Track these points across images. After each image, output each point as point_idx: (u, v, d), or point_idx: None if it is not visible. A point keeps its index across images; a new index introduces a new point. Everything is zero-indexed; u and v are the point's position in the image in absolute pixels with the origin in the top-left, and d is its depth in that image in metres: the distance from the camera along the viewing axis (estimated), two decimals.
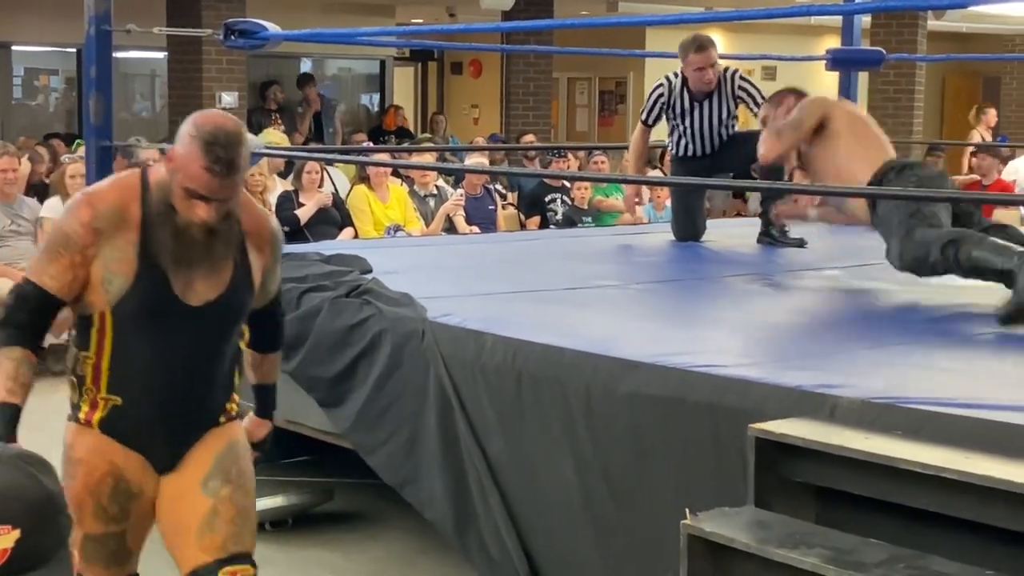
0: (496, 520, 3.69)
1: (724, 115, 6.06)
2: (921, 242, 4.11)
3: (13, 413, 2.67)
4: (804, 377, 3.17)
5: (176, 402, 2.79)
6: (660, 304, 4.61)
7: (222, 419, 2.89)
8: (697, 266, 5.42)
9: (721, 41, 17.81)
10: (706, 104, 6.04)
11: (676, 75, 6.08)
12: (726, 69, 6.09)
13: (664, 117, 6.15)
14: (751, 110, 5.96)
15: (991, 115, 14.63)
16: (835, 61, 7.25)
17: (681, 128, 6.11)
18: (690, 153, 6.15)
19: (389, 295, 4.31)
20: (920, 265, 4.12)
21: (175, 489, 2.83)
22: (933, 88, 19.45)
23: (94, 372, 2.78)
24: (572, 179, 9.86)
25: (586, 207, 9.79)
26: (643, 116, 6.24)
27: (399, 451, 4.06)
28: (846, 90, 7.57)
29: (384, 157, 10.06)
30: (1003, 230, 4.33)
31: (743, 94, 6.02)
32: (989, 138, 13.99)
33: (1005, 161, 12.56)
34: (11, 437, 2.64)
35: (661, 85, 6.12)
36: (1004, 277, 3.93)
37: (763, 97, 5.92)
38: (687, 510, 2.86)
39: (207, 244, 2.73)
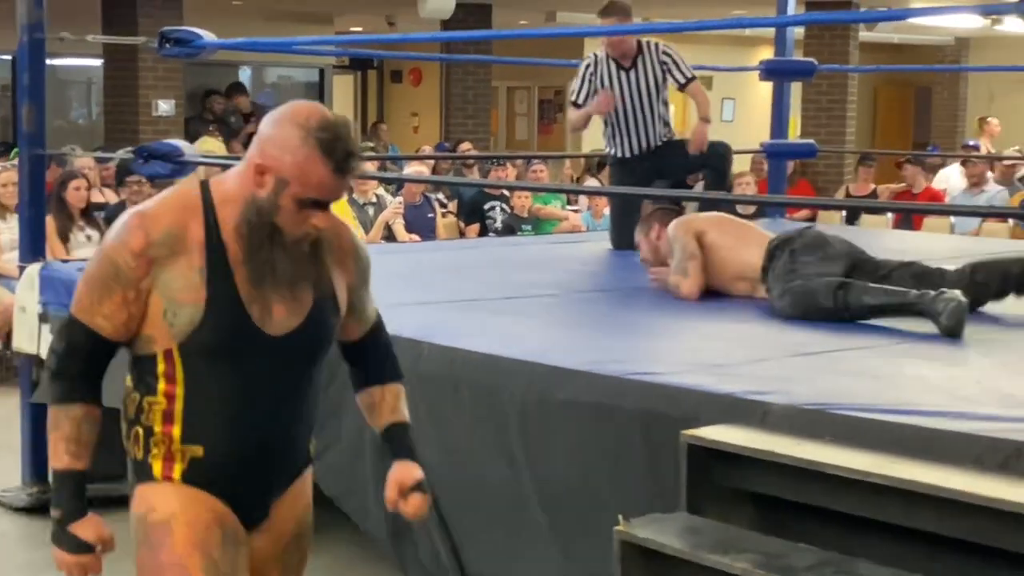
0: (430, 529, 3.70)
1: (652, 84, 6.16)
2: (806, 291, 4.27)
3: (79, 480, 2.40)
4: (736, 384, 3.22)
5: (263, 446, 2.47)
6: (597, 313, 4.65)
7: (304, 467, 2.62)
8: (634, 275, 5.46)
9: None
10: (632, 73, 6.15)
11: (594, 55, 6.23)
12: (648, 41, 6.20)
13: (593, 93, 6.16)
14: (674, 78, 6.16)
15: (994, 125, 14.79)
16: (768, 71, 7.36)
17: (615, 119, 6.16)
18: (628, 153, 6.20)
19: None
20: (808, 310, 4.24)
21: (259, 556, 2.54)
22: (865, 99, 19.71)
23: (165, 419, 2.42)
24: (524, 189, 9.90)
25: (526, 215, 9.86)
26: (573, 98, 6.25)
27: (340, 462, 4.06)
28: (779, 100, 7.68)
29: None
30: (908, 267, 4.49)
31: (667, 60, 6.17)
32: (993, 149, 14.08)
33: (934, 171, 12.77)
34: (81, 509, 2.41)
35: (588, 61, 6.23)
36: (906, 310, 4.08)
37: (686, 66, 6.18)
38: (620, 516, 2.89)
39: (288, 264, 2.40)
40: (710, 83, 18.35)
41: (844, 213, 11.72)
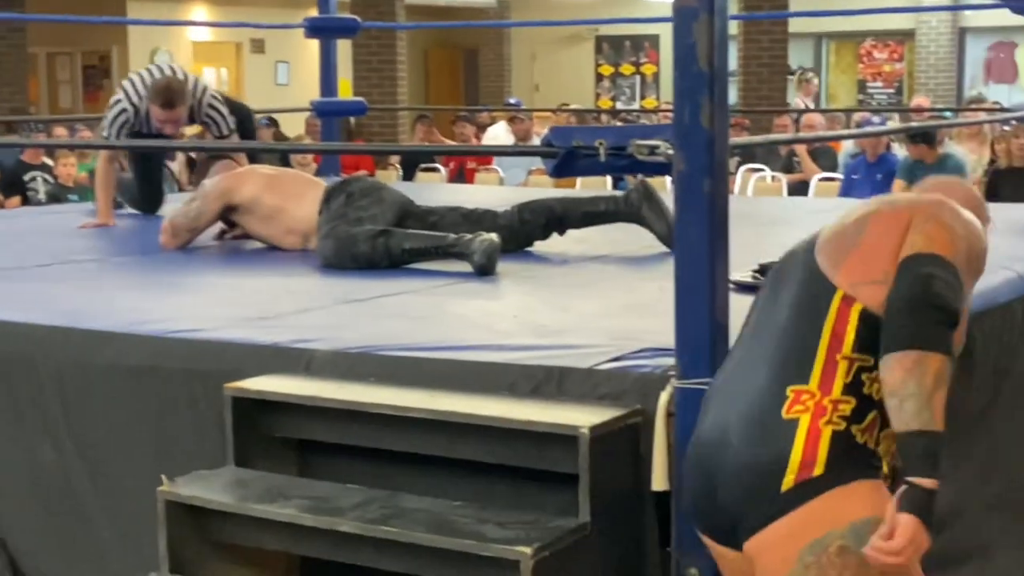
0: None
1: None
2: (347, 236, 4.30)
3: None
4: (280, 334, 3.18)
5: None
6: (139, 276, 4.48)
7: None
8: None
9: (207, 13, 17.65)
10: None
11: (140, 97, 5.66)
12: (195, 86, 5.76)
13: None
14: (216, 133, 5.85)
15: (814, 83, 15.22)
16: (312, 29, 7.33)
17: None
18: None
19: None
20: (344, 257, 4.28)
21: None
22: (417, 61, 20.15)
23: None
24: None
25: (71, 184, 9.46)
26: (107, 136, 5.79)
27: None
28: (326, 59, 7.66)
29: None
30: (457, 211, 4.62)
31: (208, 120, 5.83)
32: (812, 105, 14.40)
33: (483, 128, 13.23)
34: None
35: (124, 110, 5.67)
36: (444, 252, 4.19)
37: (227, 124, 5.83)
38: (163, 477, 2.80)
39: None
40: (263, 45, 18.22)
41: (400, 170, 11.93)
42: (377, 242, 4.25)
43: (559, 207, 4.66)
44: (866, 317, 2.21)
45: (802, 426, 2.17)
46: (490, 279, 4.05)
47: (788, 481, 2.15)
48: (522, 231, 4.55)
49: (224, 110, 5.89)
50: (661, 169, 2.73)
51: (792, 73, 17.64)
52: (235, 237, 5.04)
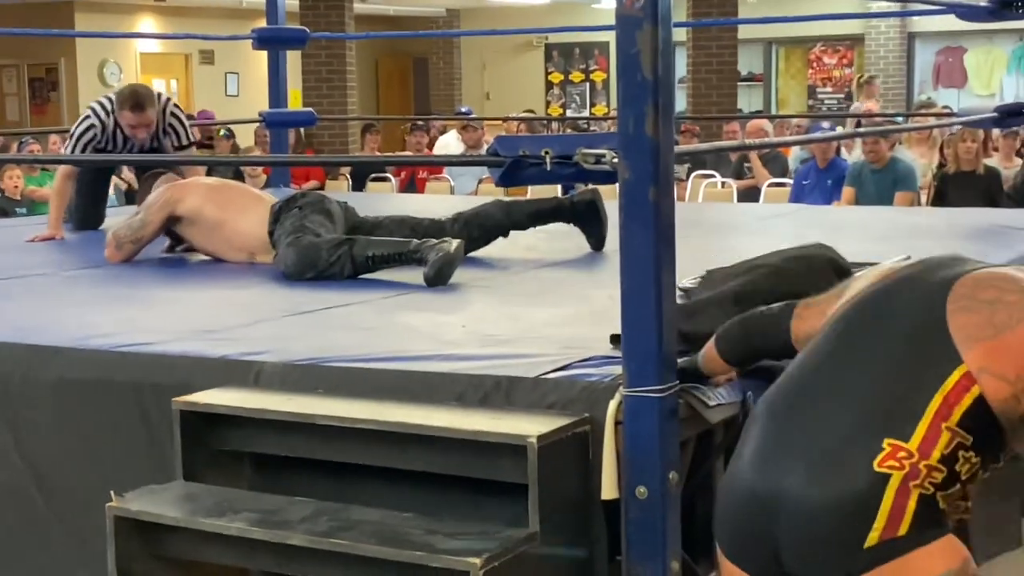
0: None
1: (160, 147, 5.90)
2: (311, 246, 4.30)
3: None
4: (230, 347, 3.17)
5: None
6: (87, 289, 4.44)
7: None
8: None
9: (155, 24, 17.55)
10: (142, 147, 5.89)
11: (108, 113, 5.73)
12: (157, 98, 5.84)
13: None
14: (176, 143, 5.89)
15: (876, 84, 15.22)
16: (260, 40, 7.31)
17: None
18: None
19: None
20: (306, 267, 4.27)
21: None
22: (367, 70, 20.12)
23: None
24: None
25: (19, 197, 9.40)
26: (71, 150, 5.86)
27: None
28: (275, 69, 7.64)
29: None
30: (404, 222, 4.67)
31: (169, 128, 5.88)
32: (876, 108, 14.37)
33: (434, 138, 13.23)
34: None
35: (93, 126, 5.72)
36: (408, 258, 4.17)
37: (187, 134, 5.92)
38: (112, 492, 2.78)
39: None
40: (212, 56, 18.14)
41: (350, 180, 11.91)
42: (341, 251, 4.24)
43: (499, 213, 4.70)
44: (980, 403, 2.16)
45: (893, 483, 2.12)
46: (441, 290, 4.05)
47: (872, 538, 2.11)
48: (468, 239, 4.58)
49: (185, 120, 5.98)
50: (607, 177, 2.74)
51: (744, 79, 17.77)
52: (184, 250, 5.02)
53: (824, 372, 2.29)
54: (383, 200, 8.03)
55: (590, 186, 4.77)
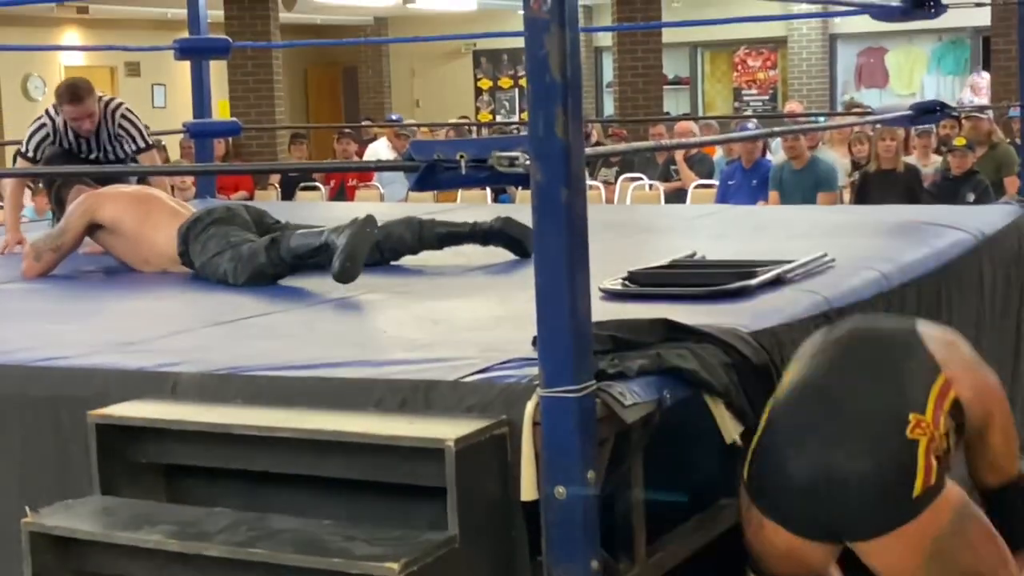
0: None
1: (114, 151, 5.93)
2: (251, 253, 4.31)
3: None
4: (147, 359, 3.14)
5: None
6: (8, 304, 4.39)
7: None
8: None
9: (79, 37, 17.37)
10: (93, 139, 5.90)
11: (57, 113, 5.85)
12: (109, 103, 5.94)
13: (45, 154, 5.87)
14: (129, 147, 5.92)
15: (983, 79, 15.39)
16: (182, 51, 7.26)
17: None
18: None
19: None
20: (260, 274, 4.29)
21: None
22: (296, 79, 20.04)
23: None
24: None
25: None
26: (25, 151, 5.92)
27: None
28: (198, 80, 7.59)
29: None
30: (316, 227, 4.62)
31: (121, 131, 5.93)
32: (987, 100, 14.60)
33: (365, 145, 13.21)
34: None
35: (44, 125, 5.86)
36: (324, 250, 4.15)
37: (143, 137, 5.97)
38: (27, 508, 2.74)
39: None
40: (138, 68, 17.99)
41: (279, 190, 11.86)
42: (271, 251, 4.26)
43: (412, 236, 4.66)
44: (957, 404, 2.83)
45: (922, 446, 2.70)
46: (364, 296, 4.03)
47: (918, 487, 2.68)
48: (390, 247, 4.58)
49: (139, 123, 6.03)
50: (520, 180, 2.75)
51: (671, 83, 17.89)
52: (90, 252, 4.98)
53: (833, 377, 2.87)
54: (312, 208, 7.99)
55: (502, 216, 4.76)
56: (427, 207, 8.39)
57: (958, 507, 2.76)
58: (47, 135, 5.84)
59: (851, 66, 19.78)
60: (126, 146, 5.94)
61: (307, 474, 2.70)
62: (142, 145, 5.99)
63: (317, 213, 6.63)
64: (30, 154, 5.87)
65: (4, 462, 3.14)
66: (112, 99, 6.07)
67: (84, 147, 5.91)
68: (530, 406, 2.59)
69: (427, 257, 4.71)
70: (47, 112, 5.94)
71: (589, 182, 10.36)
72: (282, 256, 4.24)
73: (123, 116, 5.95)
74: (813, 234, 5.02)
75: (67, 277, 4.81)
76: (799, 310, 3.42)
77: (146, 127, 6.15)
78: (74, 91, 5.76)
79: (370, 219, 4.18)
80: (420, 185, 2.94)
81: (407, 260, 4.69)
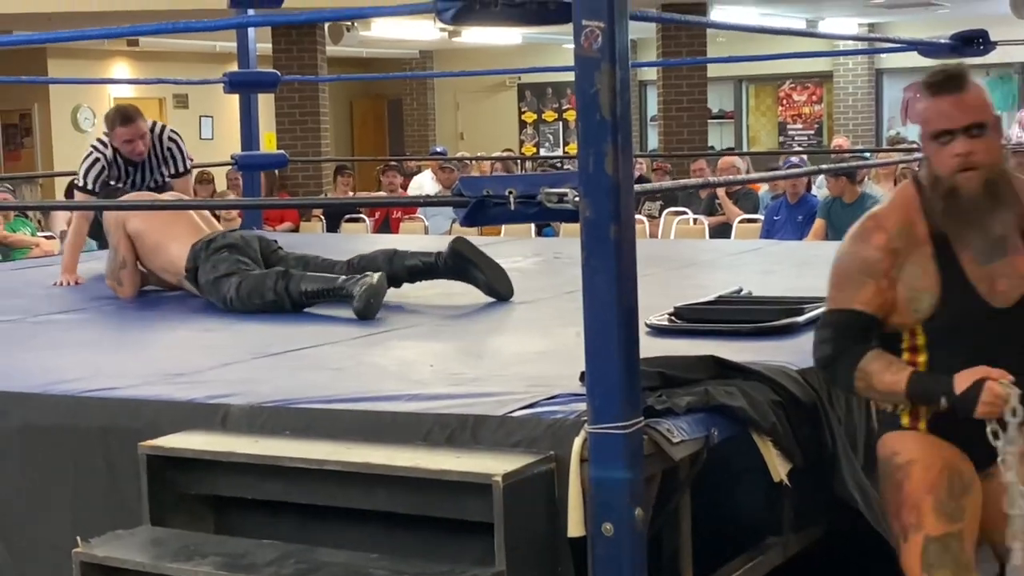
0: None
1: (163, 173, 6.03)
2: (259, 280, 4.47)
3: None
4: (196, 391, 3.17)
5: None
6: (61, 335, 4.43)
7: None
8: (100, 294, 5.28)
9: (129, 70, 17.58)
10: (146, 164, 5.98)
11: (105, 144, 5.91)
12: (154, 126, 6.02)
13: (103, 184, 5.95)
14: (172, 170, 6.03)
15: None
16: (232, 84, 7.31)
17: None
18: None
19: None
20: (253, 301, 4.46)
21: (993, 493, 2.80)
22: (342, 112, 20.19)
23: None
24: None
25: None
26: (82, 184, 5.96)
27: None
28: (247, 112, 7.66)
29: None
30: (317, 260, 4.79)
31: (168, 154, 6.03)
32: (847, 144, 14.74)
33: (409, 177, 13.25)
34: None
35: (98, 159, 5.90)
36: (339, 292, 4.30)
37: (184, 160, 6.08)
38: (78, 538, 2.77)
39: (995, 228, 2.75)
40: (186, 100, 18.16)
41: (324, 221, 11.92)
42: (279, 285, 4.40)
43: (385, 264, 4.66)
44: None
45: None
46: (409, 329, 4.05)
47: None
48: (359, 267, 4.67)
49: (182, 145, 6.13)
50: (569, 216, 2.76)
51: (715, 116, 17.89)
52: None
53: None
54: (356, 240, 8.03)
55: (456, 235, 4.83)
56: (474, 239, 8.42)
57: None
58: (102, 169, 5.90)
59: (897, 101, 19.68)
60: (168, 168, 6.04)
61: (356, 507, 2.70)
62: (181, 169, 6.09)
63: (361, 246, 6.65)
64: (89, 186, 5.95)
65: (56, 492, 3.17)
66: (156, 122, 6.16)
67: (136, 175, 5.96)
68: (578, 442, 2.59)
69: (471, 289, 4.70)
70: (95, 146, 5.98)
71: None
72: (290, 291, 4.38)
73: (169, 138, 6.05)
74: None
75: (117, 307, 4.86)
76: None
77: (190, 157, 6.24)
78: (125, 113, 5.88)
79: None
80: (470, 220, 2.95)
81: (453, 289, 4.68)
